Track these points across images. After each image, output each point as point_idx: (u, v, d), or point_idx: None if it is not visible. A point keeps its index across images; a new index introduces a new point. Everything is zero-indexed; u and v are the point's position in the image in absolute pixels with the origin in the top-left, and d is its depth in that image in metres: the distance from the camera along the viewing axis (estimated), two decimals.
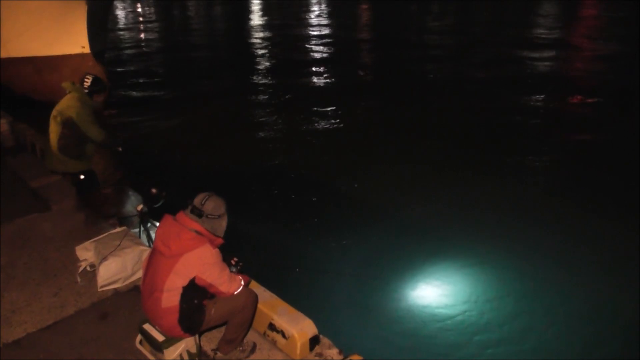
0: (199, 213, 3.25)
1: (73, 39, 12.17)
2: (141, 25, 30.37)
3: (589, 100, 13.45)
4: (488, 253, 6.50)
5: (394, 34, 24.41)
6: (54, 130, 5.12)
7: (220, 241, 3.34)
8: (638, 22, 24.43)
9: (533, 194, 8.25)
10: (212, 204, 3.29)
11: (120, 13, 35.30)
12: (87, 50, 12.30)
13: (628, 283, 5.94)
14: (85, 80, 5.23)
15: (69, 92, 5.18)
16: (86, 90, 5.22)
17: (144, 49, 22.31)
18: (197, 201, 3.30)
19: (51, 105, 5.24)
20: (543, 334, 5.24)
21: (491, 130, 11.24)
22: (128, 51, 21.62)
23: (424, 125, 11.71)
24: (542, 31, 23.02)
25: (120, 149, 5.43)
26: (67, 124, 5.05)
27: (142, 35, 26.30)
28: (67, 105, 5.10)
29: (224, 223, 3.36)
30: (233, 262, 3.61)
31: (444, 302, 5.64)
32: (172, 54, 21.38)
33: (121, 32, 26.68)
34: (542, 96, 13.74)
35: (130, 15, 34.49)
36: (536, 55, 18.40)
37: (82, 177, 5.27)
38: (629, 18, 25.74)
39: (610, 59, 17.63)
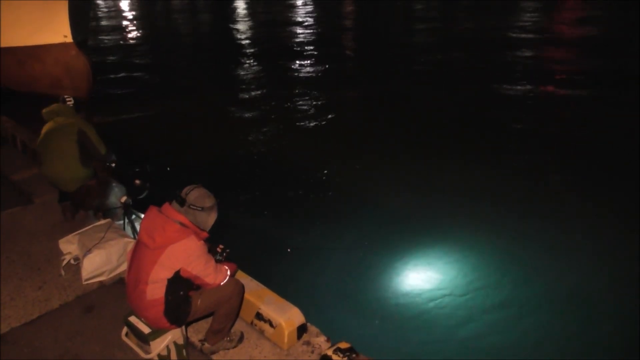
0: (181, 202, 3.22)
1: (55, 29, 11.94)
2: (123, 16, 29.90)
3: (572, 87, 13.54)
4: (474, 239, 6.54)
5: (379, 26, 24.27)
6: (57, 160, 4.98)
7: (205, 235, 3.30)
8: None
9: (521, 181, 8.28)
10: (196, 195, 3.26)
11: (101, 3, 34.66)
12: (69, 39, 12.08)
13: (617, 270, 5.97)
14: (68, 100, 5.20)
15: (59, 113, 5.07)
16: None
17: (125, 41, 21.96)
18: (182, 191, 3.28)
19: (33, 97, 5.15)
20: (525, 319, 5.28)
21: (476, 117, 11.26)
22: (109, 43, 21.27)
23: (409, 113, 11.70)
24: (525, 22, 23.01)
25: (114, 164, 5.34)
26: (82, 138, 4.97)
27: (124, 27, 25.88)
28: (69, 122, 5.00)
29: (209, 219, 3.32)
30: (219, 250, 3.59)
31: (430, 288, 5.68)
32: (155, 45, 21.08)
33: (102, 24, 26.24)
34: (525, 83, 13.80)
35: (112, 5, 33.93)
36: (519, 46, 18.43)
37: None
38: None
39: (591, 46, 17.73)
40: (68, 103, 5.20)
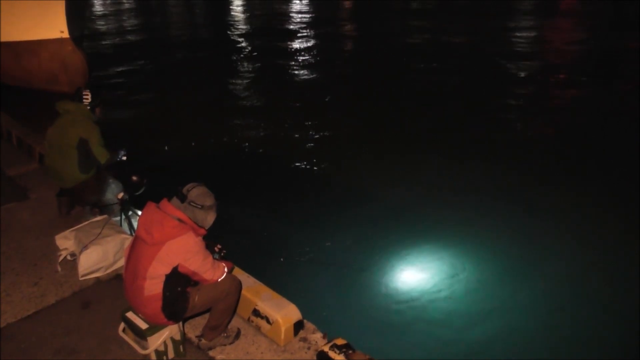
0: (182, 198, 3.23)
1: (52, 24, 11.88)
2: (119, 9, 29.72)
3: (571, 81, 13.60)
4: (473, 237, 6.54)
5: (376, 23, 24.21)
6: (57, 158, 4.96)
7: (203, 232, 3.32)
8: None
9: (516, 175, 8.28)
10: (198, 192, 3.28)
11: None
12: (66, 34, 12.02)
13: (618, 268, 5.98)
14: (85, 95, 5.02)
15: (69, 113, 4.96)
16: (88, 107, 5.04)
17: (121, 34, 21.83)
18: (184, 188, 3.30)
19: (29, 91, 5.08)
20: (524, 317, 5.30)
21: (471, 113, 11.28)
22: (103, 37, 21.12)
23: (404, 109, 11.69)
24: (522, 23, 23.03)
25: (125, 157, 5.28)
26: (82, 146, 4.91)
27: (120, 20, 25.75)
28: (75, 126, 4.90)
29: (209, 217, 3.33)
30: (217, 250, 3.61)
31: (426, 286, 5.69)
32: (150, 39, 20.93)
33: (96, 16, 26.07)
34: (523, 74, 13.85)
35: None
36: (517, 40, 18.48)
37: None
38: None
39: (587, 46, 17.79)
40: (84, 99, 5.02)
